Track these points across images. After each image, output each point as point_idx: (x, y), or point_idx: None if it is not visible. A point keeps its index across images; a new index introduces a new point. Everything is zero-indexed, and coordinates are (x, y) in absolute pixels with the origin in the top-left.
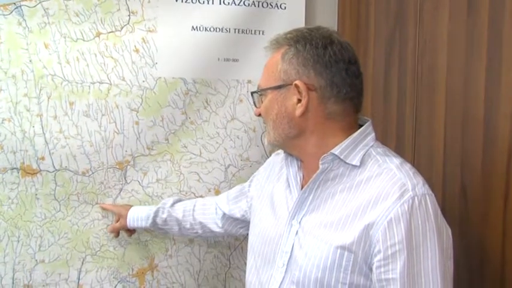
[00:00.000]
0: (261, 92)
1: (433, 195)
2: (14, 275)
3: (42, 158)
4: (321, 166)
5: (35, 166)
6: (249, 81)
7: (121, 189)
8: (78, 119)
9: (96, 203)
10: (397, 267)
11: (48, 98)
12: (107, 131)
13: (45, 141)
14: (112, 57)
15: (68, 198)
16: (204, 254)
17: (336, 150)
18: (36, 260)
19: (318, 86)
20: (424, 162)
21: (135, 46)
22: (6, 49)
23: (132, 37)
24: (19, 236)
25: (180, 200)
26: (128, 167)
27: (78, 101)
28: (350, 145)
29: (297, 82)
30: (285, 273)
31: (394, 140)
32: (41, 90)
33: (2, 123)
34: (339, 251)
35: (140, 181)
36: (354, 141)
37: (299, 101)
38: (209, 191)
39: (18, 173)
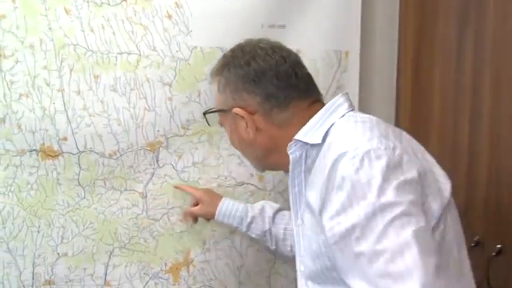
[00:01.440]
0: (210, 114)
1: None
2: (34, 269)
3: (65, 139)
4: (290, 157)
5: (56, 147)
6: (298, 51)
7: (153, 174)
8: (104, 94)
9: (125, 189)
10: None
11: (71, 71)
12: (136, 107)
13: (68, 119)
14: (141, 24)
15: (94, 183)
16: (246, 247)
17: (299, 135)
18: (59, 253)
19: (255, 104)
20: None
21: (167, 11)
22: (22, 15)
23: (164, 1)
24: (39, 226)
25: (280, 210)
26: (161, 148)
27: (103, 74)
28: (314, 125)
29: (234, 110)
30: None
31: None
32: (62, 62)
33: (19, 99)
34: (320, 239)
35: (174, 165)
36: (318, 120)
37: (247, 125)
38: (251, 176)
39: (37, 155)
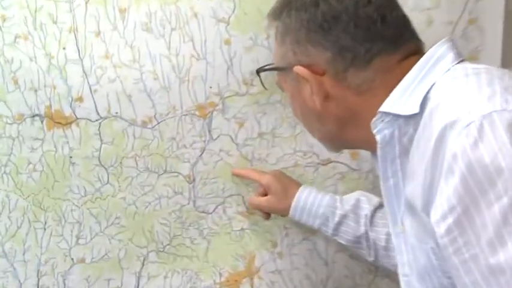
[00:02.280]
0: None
1: None
2: (38, 280)
3: (79, 99)
4: (378, 138)
5: (68, 112)
6: None
7: (203, 150)
8: (134, 36)
9: (165, 171)
10: None
11: (86, 3)
12: (180, 54)
13: (83, 71)
14: None
15: (121, 163)
16: (333, 252)
17: (386, 105)
18: (73, 259)
19: (323, 61)
20: None
21: None
22: None
23: None
24: (45, 222)
25: (382, 206)
26: (214, 113)
27: (133, 6)
28: (406, 88)
29: (296, 69)
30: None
31: None
32: None
33: (15, 43)
34: (430, 249)
35: (233, 136)
36: (412, 80)
37: (313, 90)
38: (341, 151)
39: (42, 122)
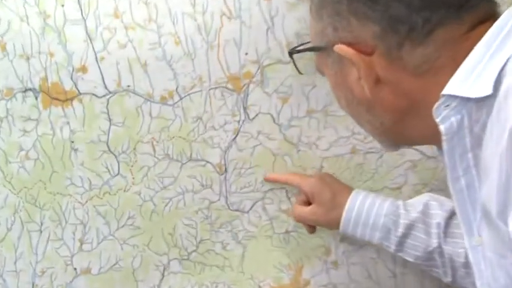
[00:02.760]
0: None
1: None
2: None
3: (82, 70)
4: (442, 128)
5: (68, 85)
6: None
7: (237, 132)
8: None
9: (190, 159)
10: None
11: None
12: (207, 12)
13: (87, 34)
14: None
15: (135, 149)
16: (402, 262)
17: (451, 86)
18: (76, 269)
19: (371, 37)
20: None
21: None
22: None
23: None
24: (42, 223)
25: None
26: (251, 86)
27: None
28: (475, 65)
29: (337, 48)
30: None
31: None
32: None
33: None
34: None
35: (275, 115)
36: (482, 56)
37: (360, 73)
38: None
39: (36, 99)
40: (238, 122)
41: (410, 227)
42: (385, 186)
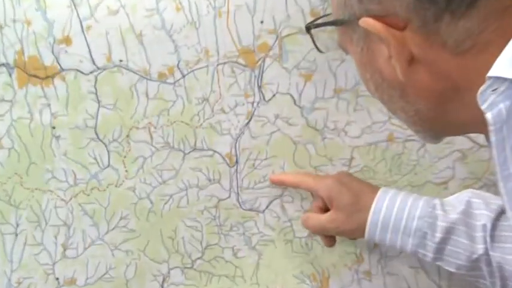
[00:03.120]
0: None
1: None
2: None
3: (66, 41)
4: (488, 116)
5: (48, 60)
6: None
7: (251, 116)
8: None
9: (194, 148)
10: None
11: None
12: None
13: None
14: None
15: (128, 136)
16: (449, 272)
17: (499, 67)
18: (58, 279)
19: (403, 9)
20: None
21: None
22: None
23: None
24: (17, 224)
25: (503, 211)
26: (268, 61)
27: None
28: None
29: (363, 22)
30: None
31: None
32: None
33: None
34: None
35: (296, 95)
36: None
37: (391, 51)
38: None
39: (10, 75)
40: (252, 103)
41: (450, 231)
42: (428, 181)
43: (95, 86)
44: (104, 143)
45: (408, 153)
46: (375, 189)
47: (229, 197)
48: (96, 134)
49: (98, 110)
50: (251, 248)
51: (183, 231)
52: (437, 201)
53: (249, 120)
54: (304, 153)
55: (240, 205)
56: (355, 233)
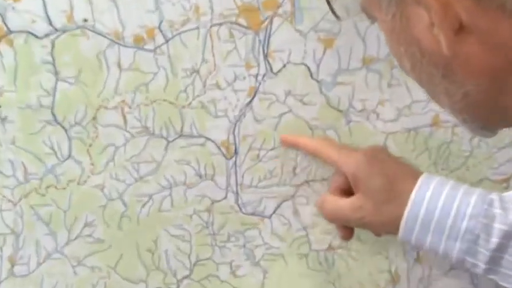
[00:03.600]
0: None
1: None
2: None
3: None
4: None
5: None
6: None
7: (254, 93)
8: None
9: (181, 134)
10: None
11: None
12: None
13: None
14: None
15: (94, 119)
16: None
17: None
18: None
19: None
20: None
21: None
22: None
23: None
24: None
25: None
26: (276, 22)
27: None
28: None
29: None
30: None
31: None
32: None
33: None
34: None
35: (313, 66)
36: None
37: (432, 18)
38: None
39: None
40: (256, 77)
41: (510, 236)
42: (485, 178)
43: (51, 54)
44: (64, 128)
45: (459, 141)
46: (416, 173)
47: (226, 197)
48: (54, 115)
49: (56, 84)
50: (254, 264)
51: (167, 242)
52: (495, 197)
53: (252, 99)
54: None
55: (240, 208)
56: (385, 227)
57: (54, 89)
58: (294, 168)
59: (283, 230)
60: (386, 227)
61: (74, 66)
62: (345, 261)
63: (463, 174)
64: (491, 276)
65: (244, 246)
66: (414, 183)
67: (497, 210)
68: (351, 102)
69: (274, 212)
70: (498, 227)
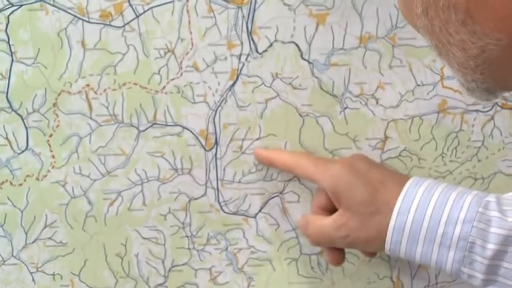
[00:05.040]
0: None
1: None
2: None
3: None
4: None
5: None
6: None
7: (237, 76)
8: None
9: (152, 123)
10: None
11: None
12: None
13: None
14: None
15: (55, 105)
16: None
17: None
18: None
19: None
20: None
21: None
22: None
23: None
24: None
25: None
26: None
27: None
28: None
29: None
30: None
31: None
32: None
33: None
34: None
35: (304, 46)
36: None
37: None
38: None
39: None
40: (239, 57)
41: (509, 241)
42: (498, 171)
43: (6, 31)
44: (20, 115)
45: (468, 130)
46: (402, 179)
47: (205, 194)
48: (9, 101)
49: (11, 66)
50: (237, 270)
51: (138, 245)
52: (492, 199)
53: (234, 82)
54: (316, 131)
55: (221, 207)
56: (374, 244)
57: (9, 71)
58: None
59: (270, 231)
60: (374, 244)
61: (31, 46)
62: (341, 267)
63: (474, 167)
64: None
65: (226, 249)
66: (400, 191)
67: (493, 213)
68: (346, 86)
69: (260, 210)
70: (495, 231)
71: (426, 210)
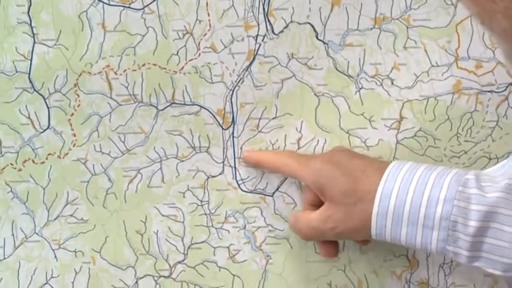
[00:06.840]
0: None
1: None
2: None
3: None
4: None
5: None
6: None
7: (254, 56)
8: None
9: (171, 103)
10: None
11: None
12: None
13: None
14: None
15: (76, 86)
16: None
17: None
18: None
19: None
20: None
21: None
22: None
23: None
24: None
25: None
26: None
27: None
28: None
29: None
30: None
31: None
32: None
33: None
34: None
35: (319, 26)
36: None
37: None
38: None
39: None
40: (256, 38)
41: (489, 217)
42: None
43: (28, 13)
44: (42, 95)
45: (483, 110)
46: (383, 165)
47: (223, 172)
48: (31, 82)
49: (33, 47)
50: (255, 248)
51: (157, 222)
52: (471, 176)
53: (251, 63)
54: (331, 111)
55: (239, 185)
56: (362, 232)
57: (32, 52)
58: (299, 139)
59: (287, 209)
60: (363, 231)
61: (53, 27)
62: (357, 245)
63: (489, 147)
64: (475, 264)
65: (244, 228)
66: (381, 177)
67: (473, 190)
68: (361, 66)
69: (277, 189)
70: (475, 208)
71: (407, 193)
